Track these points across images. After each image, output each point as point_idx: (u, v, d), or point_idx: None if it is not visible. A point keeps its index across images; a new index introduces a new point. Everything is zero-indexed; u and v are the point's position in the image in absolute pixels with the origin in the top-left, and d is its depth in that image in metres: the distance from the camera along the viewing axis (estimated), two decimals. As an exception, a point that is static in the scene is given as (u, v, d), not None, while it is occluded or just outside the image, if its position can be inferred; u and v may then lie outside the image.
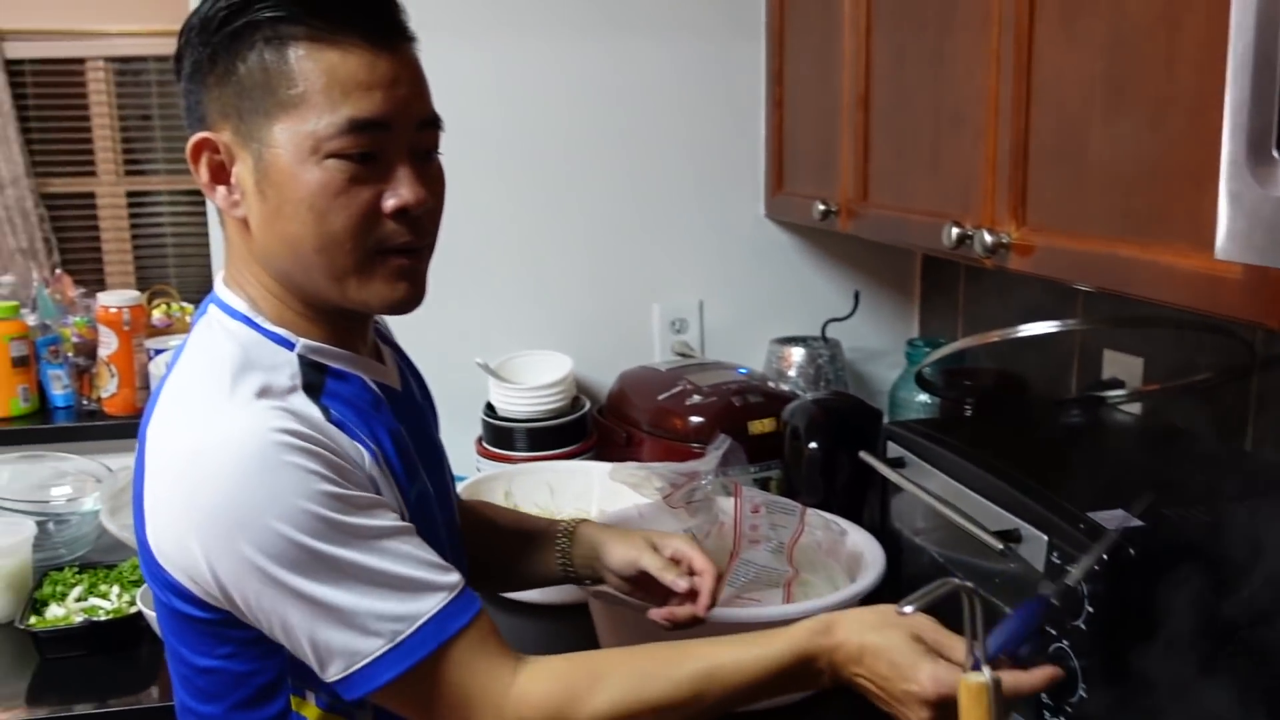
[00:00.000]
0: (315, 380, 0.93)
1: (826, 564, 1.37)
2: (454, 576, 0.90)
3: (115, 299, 2.01)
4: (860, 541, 1.43)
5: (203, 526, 0.84)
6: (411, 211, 0.90)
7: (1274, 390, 1.35)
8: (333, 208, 0.88)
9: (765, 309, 2.18)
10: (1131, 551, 1.02)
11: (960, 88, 1.32)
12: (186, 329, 2.19)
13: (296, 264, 0.91)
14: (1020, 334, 1.31)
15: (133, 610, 1.55)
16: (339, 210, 0.88)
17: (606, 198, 2.07)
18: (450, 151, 0.99)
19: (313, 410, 0.90)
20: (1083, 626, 1.04)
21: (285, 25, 0.87)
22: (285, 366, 0.92)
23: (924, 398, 1.89)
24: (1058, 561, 1.09)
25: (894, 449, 1.48)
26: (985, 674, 0.85)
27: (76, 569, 1.70)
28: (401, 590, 0.87)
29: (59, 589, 1.63)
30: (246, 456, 0.83)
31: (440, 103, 0.97)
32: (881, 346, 2.24)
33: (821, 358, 2.08)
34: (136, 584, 1.63)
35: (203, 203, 2.00)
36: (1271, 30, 0.70)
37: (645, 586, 1.16)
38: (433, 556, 0.90)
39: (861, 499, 1.68)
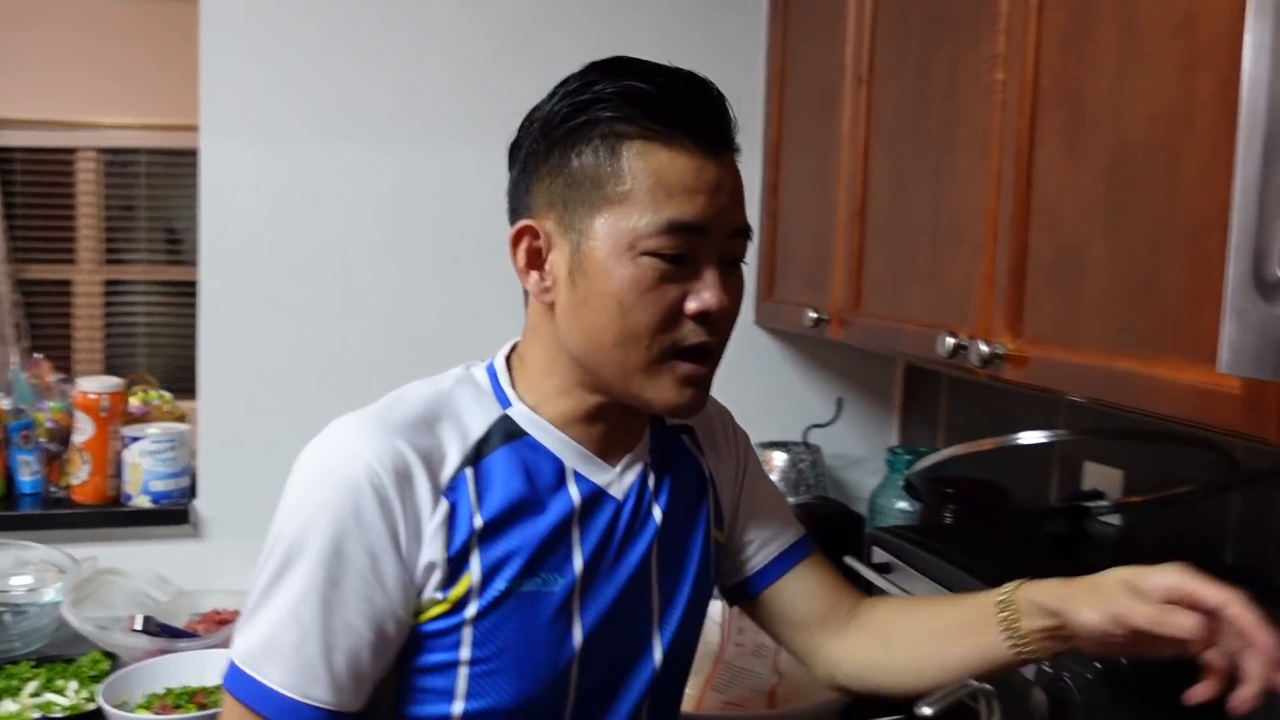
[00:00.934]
0: (495, 442, 0.96)
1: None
2: (319, 691, 0.88)
3: (95, 385, 1.97)
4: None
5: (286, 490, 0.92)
6: (712, 315, 0.92)
7: (1256, 503, 1.36)
8: (639, 304, 0.90)
9: (748, 413, 2.12)
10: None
11: (959, 204, 1.35)
12: (164, 417, 2.16)
13: (592, 354, 0.94)
14: (1015, 443, 1.32)
15: (91, 707, 1.49)
16: (645, 307, 0.90)
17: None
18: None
19: (445, 466, 0.93)
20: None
21: (622, 125, 0.90)
22: (482, 418, 0.97)
23: (904, 505, 1.89)
24: (1048, 669, 1.07)
25: (879, 554, 1.47)
26: None
27: (33, 663, 1.64)
28: (289, 647, 0.88)
29: (13, 684, 1.57)
30: (330, 463, 0.90)
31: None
32: (862, 453, 2.25)
33: (803, 463, 2.08)
34: (96, 679, 1.57)
35: (179, 293, 1.99)
36: (1275, 157, 0.73)
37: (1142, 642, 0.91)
38: (344, 663, 0.89)
39: (848, 607, 1.67)
